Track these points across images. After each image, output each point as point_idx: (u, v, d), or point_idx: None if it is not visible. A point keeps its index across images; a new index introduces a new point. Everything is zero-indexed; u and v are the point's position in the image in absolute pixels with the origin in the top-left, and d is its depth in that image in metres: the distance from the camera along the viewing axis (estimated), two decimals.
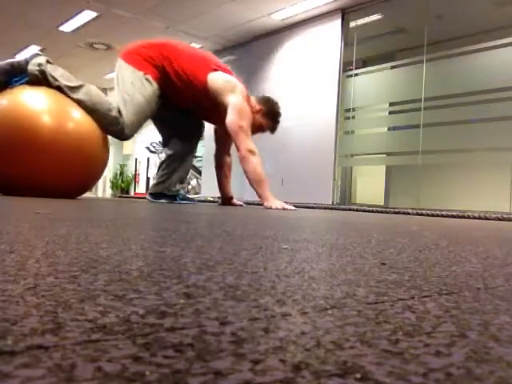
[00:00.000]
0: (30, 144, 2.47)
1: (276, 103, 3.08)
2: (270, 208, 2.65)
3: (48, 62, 2.73)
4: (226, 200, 3.26)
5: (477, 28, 4.60)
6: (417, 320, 0.29)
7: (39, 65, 2.67)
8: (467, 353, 0.23)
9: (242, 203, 3.32)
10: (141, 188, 9.74)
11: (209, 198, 4.76)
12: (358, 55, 5.22)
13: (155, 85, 2.88)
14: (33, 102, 2.55)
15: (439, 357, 0.22)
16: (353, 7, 5.14)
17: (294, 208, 2.71)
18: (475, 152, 4.36)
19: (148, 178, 8.88)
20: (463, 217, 2.80)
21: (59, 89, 2.67)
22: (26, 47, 7.42)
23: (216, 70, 2.92)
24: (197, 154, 7.18)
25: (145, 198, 4.16)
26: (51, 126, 2.52)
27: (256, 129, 3.00)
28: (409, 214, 3.01)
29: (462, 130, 4.33)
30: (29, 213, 1.27)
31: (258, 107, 2.98)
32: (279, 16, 5.51)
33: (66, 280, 0.35)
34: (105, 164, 2.94)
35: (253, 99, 3.01)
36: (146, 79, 2.85)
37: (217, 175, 3.26)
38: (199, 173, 7.25)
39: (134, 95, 2.82)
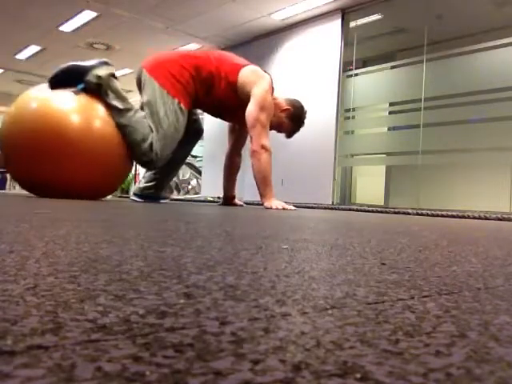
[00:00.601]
0: (61, 145, 2.46)
1: (305, 112, 3.05)
2: (270, 208, 2.65)
3: (112, 75, 2.67)
4: (227, 198, 3.26)
5: (477, 28, 4.60)
6: (417, 320, 0.29)
7: (98, 77, 2.61)
8: (467, 353, 0.23)
9: (242, 203, 3.32)
10: None
11: (209, 198, 4.76)
12: (358, 55, 5.22)
13: (185, 112, 2.84)
14: (62, 103, 2.53)
15: (439, 357, 0.22)
16: (353, 7, 5.14)
17: (294, 208, 2.70)
18: (475, 152, 4.36)
19: None
20: (463, 217, 2.80)
21: (108, 106, 2.65)
22: (25, 47, 7.42)
23: (243, 66, 2.87)
24: (197, 154, 7.20)
25: None
26: (81, 127, 2.51)
27: (276, 126, 2.98)
28: (409, 214, 3.00)
29: (461, 130, 4.33)
30: (29, 213, 1.27)
31: (285, 106, 2.95)
32: (279, 16, 5.51)
33: (65, 280, 0.35)
34: (132, 163, 2.93)
35: (282, 99, 2.98)
36: (180, 109, 2.79)
37: (224, 174, 3.24)
38: (199, 173, 7.24)
39: (168, 129, 2.77)
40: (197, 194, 6.95)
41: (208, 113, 3.17)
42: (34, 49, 7.47)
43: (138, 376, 0.17)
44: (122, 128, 2.68)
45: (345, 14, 5.22)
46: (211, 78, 2.82)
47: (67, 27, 6.37)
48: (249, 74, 2.83)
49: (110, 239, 0.65)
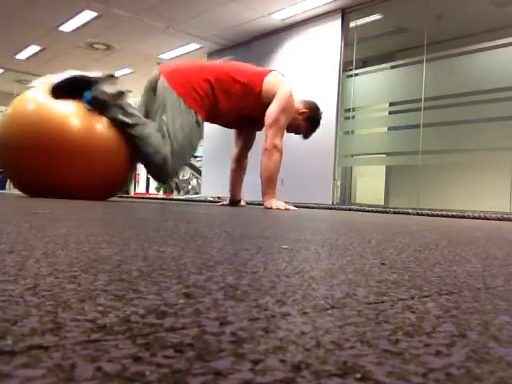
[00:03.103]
0: (60, 147, 2.44)
1: (321, 113, 3.07)
2: (271, 208, 2.64)
3: (120, 93, 2.53)
4: (233, 203, 3.23)
5: (477, 28, 4.60)
6: (417, 320, 0.29)
7: (105, 94, 2.49)
8: (467, 353, 0.23)
9: (244, 204, 3.31)
10: (141, 188, 9.74)
11: (209, 198, 4.75)
12: (358, 55, 5.22)
13: (202, 125, 2.77)
14: (60, 105, 2.50)
15: (439, 357, 0.22)
16: (353, 7, 5.14)
17: (294, 208, 2.70)
18: (475, 152, 4.36)
19: (148, 178, 8.88)
20: (463, 217, 2.80)
21: (113, 119, 2.53)
22: (25, 47, 7.42)
23: (266, 74, 2.87)
24: (197, 154, 7.21)
25: (144, 198, 4.17)
26: (80, 129, 2.48)
27: (293, 129, 3.00)
28: (409, 213, 3.00)
29: (461, 130, 4.33)
30: (29, 213, 1.27)
31: (303, 109, 2.96)
32: (279, 16, 5.51)
33: (65, 280, 0.35)
34: (134, 164, 2.86)
35: (298, 101, 2.98)
36: (197, 122, 2.69)
37: (231, 178, 3.18)
38: (199, 173, 7.25)
39: (183, 142, 2.66)
40: (197, 193, 6.95)
41: (225, 126, 3.10)
42: (33, 49, 7.47)
43: (138, 376, 0.17)
44: (132, 139, 2.58)
45: (345, 14, 5.22)
46: (233, 89, 2.76)
47: (67, 27, 6.37)
48: (271, 79, 2.85)
49: (110, 239, 0.65)
